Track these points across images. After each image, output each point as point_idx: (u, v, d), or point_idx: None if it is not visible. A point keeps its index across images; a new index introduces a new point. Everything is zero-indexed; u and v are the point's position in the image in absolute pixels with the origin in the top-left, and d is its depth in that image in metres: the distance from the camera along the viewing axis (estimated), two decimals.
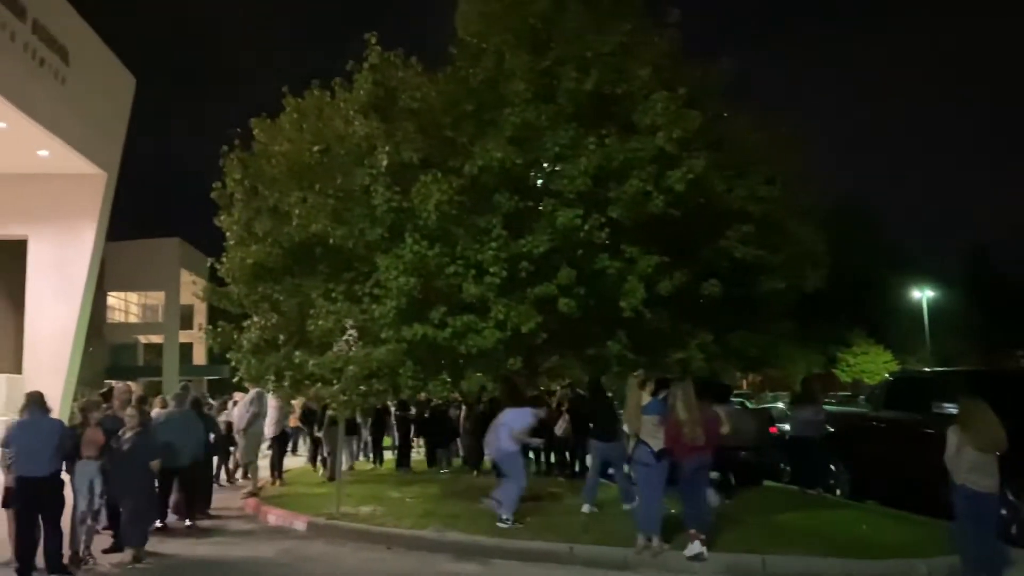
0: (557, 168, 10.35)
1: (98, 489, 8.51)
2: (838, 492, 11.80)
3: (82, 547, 8.43)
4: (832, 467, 12.01)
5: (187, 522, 10.53)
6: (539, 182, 10.95)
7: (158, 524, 10.01)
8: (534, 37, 11.00)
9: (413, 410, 17.23)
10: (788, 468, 13.56)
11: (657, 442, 8.29)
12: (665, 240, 10.03)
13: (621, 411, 10.18)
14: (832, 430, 12.24)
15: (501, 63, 10.84)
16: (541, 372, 12.91)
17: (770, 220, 10.31)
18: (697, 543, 7.99)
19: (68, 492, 8.19)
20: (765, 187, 10.19)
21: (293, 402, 15.81)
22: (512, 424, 10.19)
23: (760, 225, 10.19)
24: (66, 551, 8.05)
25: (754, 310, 11.25)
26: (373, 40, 10.94)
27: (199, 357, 55.00)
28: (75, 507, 8.41)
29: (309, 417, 17.08)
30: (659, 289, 9.70)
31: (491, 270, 9.94)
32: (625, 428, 9.02)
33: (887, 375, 19.43)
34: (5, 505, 8.12)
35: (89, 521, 8.51)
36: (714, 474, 9.78)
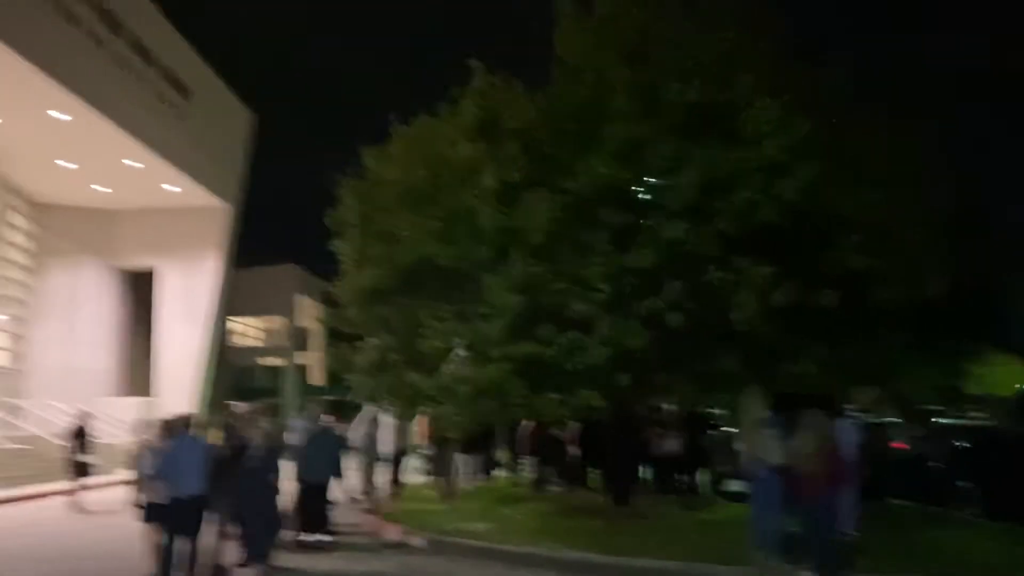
0: (662, 182, 10.28)
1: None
2: (970, 511, 11.18)
3: (224, 560, 8.88)
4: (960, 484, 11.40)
5: (320, 537, 10.93)
6: (644, 196, 10.89)
7: (299, 538, 10.48)
8: (634, 51, 10.99)
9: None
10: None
11: (774, 457, 8.09)
12: (776, 251, 9.79)
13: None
14: (961, 445, 11.63)
15: (602, 79, 10.88)
16: (651, 390, 12.76)
17: (886, 227, 9.91)
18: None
19: None
20: (880, 193, 9.82)
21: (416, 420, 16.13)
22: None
23: (876, 233, 9.82)
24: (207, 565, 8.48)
25: (871, 322, 10.82)
26: (477, 65, 11.19)
27: (317, 379, 56.89)
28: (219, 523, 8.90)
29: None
30: (772, 301, 9.47)
31: (597, 286, 9.95)
32: (737, 444, 8.83)
33: (1019, 386, 18.31)
34: (149, 520, 8.62)
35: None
36: None
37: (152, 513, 8.51)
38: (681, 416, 14.71)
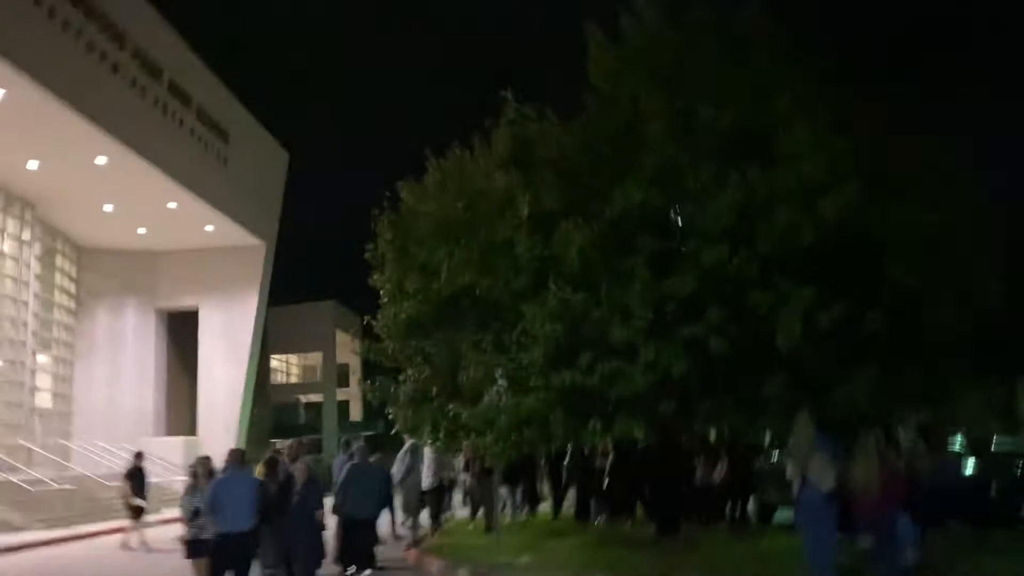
0: (700, 206, 10.19)
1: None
2: None
3: None
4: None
5: (366, 572, 10.87)
6: (682, 221, 10.80)
7: (344, 573, 10.45)
8: (668, 76, 10.97)
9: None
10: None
11: (827, 481, 7.87)
12: (820, 273, 9.62)
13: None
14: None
15: (636, 105, 10.87)
16: (695, 417, 12.57)
17: (934, 246, 9.71)
18: None
19: None
20: (928, 213, 9.63)
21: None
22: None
23: (924, 252, 9.62)
24: None
25: (923, 343, 10.56)
26: (509, 96, 11.25)
27: (355, 414, 57.07)
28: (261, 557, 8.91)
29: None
30: (817, 323, 9.28)
31: (637, 313, 9.85)
32: (788, 471, 8.61)
33: None
34: (191, 556, 8.64)
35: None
36: None
37: (197, 549, 8.53)
38: (727, 444, 14.42)
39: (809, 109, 10.03)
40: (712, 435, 15.44)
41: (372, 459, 11.67)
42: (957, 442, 14.70)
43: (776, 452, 14.71)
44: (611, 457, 15.40)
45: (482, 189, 11.77)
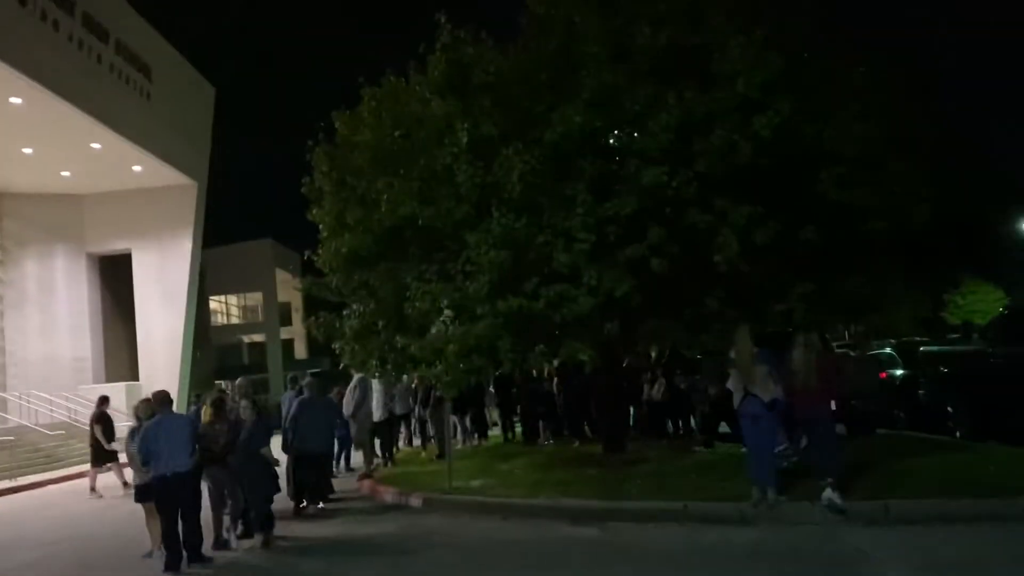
0: (638, 128, 10.20)
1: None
2: (957, 434, 11.40)
3: (223, 532, 8.92)
4: (949, 409, 11.61)
5: (319, 505, 10.99)
6: (621, 143, 10.82)
7: (300, 507, 10.54)
8: None
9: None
10: (902, 415, 13.21)
11: (767, 393, 8.18)
12: (757, 190, 9.78)
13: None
14: (945, 370, 11.81)
15: (572, 28, 10.74)
16: (639, 336, 12.83)
17: (866, 159, 9.92)
18: (829, 490, 7.85)
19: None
20: (858, 126, 9.80)
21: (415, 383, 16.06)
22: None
23: (856, 165, 9.83)
24: (207, 537, 8.50)
25: (856, 255, 10.88)
26: (444, 20, 10.99)
27: (300, 352, 56.79)
28: (212, 495, 8.93)
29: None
30: (754, 240, 9.48)
31: (580, 236, 9.91)
32: (730, 384, 8.90)
33: (1002, 309, 18.55)
34: (139, 500, 8.62)
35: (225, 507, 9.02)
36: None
37: (145, 493, 8.52)
38: (665, 361, 14.80)
39: (743, 26, 10.04)
40: (654, 353, 15.83)
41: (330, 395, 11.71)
42: (886, 348, 15.31)
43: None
44: (555, 381, 15.71)
45: (419, 117, 11.57)
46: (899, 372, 14.04)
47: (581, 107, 10.06)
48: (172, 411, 8.71)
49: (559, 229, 10.08)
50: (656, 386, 14.10)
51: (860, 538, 7.23)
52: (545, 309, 10.06)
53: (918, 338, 16.75)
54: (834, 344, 12.96)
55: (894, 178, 9.95)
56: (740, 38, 9.65)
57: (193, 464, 8.30)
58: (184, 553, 8.07)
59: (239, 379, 11.14)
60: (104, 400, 15.78)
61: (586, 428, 15.37)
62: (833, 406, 8.86)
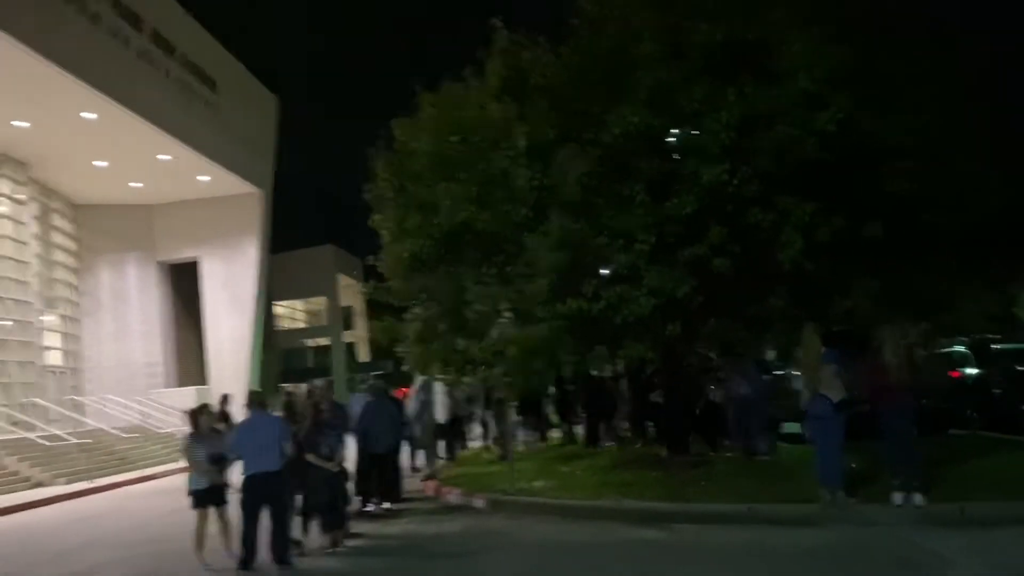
0: (697, 125, 10.11)
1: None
2: None
3: (299, 534, 9.10)
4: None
5: (385, 505, 11.15)
6: (679, 142, 10.73)
7: (367, 508, 10.75)
8: None
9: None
10: (975, 415, 12.82)
11: (836, 393, 8.04)
12: (820, 186, 9.61)
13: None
14: (1021, 369, 11.43)
15: (627, 26, 10.70)
16: (701, 337, 12.70)
17: (932, 152, 9.66)
18: (901, 494, 7.70)
19: None
20: (923, 118, 9.55)
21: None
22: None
23: (921, 158, 9.58)
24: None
25: (923, 251, 10.60)
26: (500, 25, 11.07)
27: (363, 354, 57.63)
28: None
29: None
30: (818, 237, 9.32)
31: (639, 237, 9.88)
32: (795, 385, 8.77)
33: None
34: (197, 506, 8.79)
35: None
36: None
37: (203, 498, 8.72)
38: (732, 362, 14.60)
39: (804, 20, 9.88)
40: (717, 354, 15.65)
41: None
42: (958, 347, 14.87)
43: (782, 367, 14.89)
44: (622, 381, 15.62)
45: (476, 122, 11.66)
46: (972, 371, 13.63)
47: (638, 107, 10.01)
48: (263, 411, 8.83)
49: (618, 230, 10.06)
50: (715, 390, 13.94)
51: (933, 540, 7.07)
52: (605, 311, 10.05)
53: (991, 336, 16.23)
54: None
55: (961, 171, 9.67)
56: (801, 33, 9.49)
57: (282, 465, 8.44)
58: (257, 553, 8.23)
59: (319, 382, 11.32)
60: (226, 398, 15.71)
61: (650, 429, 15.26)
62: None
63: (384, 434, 11.13)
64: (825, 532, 7.68)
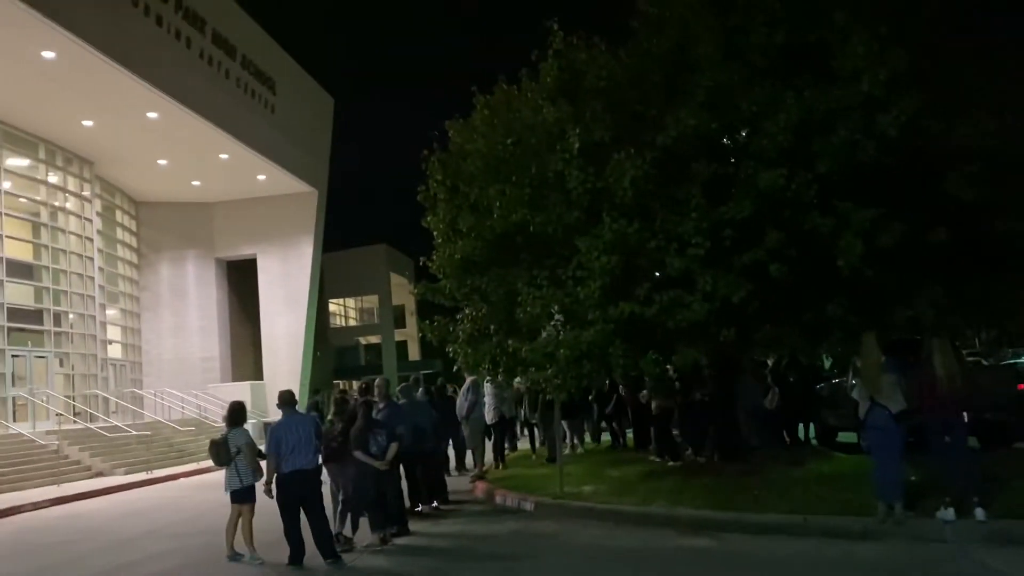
0: (755, 128, 9.94)
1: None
2: None
3: (344, 529, 9.20)
4: None
5: (433, 505, 11.20)
6: (736, 145, 10.57)
7: (416, 508, 10.83)
8: None
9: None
10: None
11: (895, 404, 7.83)
12: (881, 191, 9.37)
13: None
14: None
15: (686, 28, 10.58)
16: (755, 343, 12.49)
17: (1001, 155, 9.34)
18: (951, 510, 7.47)
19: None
20: (992, 120, 9.23)
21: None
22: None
23: (988, 162, 9.27)
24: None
25: (989, 257, 10.26)
26: (555, 27, 11.04)
27: (413, 353, 58.09)
28: (332, 492, 9.23)
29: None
30: (879, 243, 9.08)
31: (693, 241, 9.75)
32: (854, 394, 8.56)
33: None
34: (237, 501, 8.93)
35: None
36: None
37: (244, 494, 8.87)
38: (787, 368, 14.36)
39: (866, 21, 9.64)
40: (771, 361, 15.39)
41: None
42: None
43: (838, 375, 14.58)
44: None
45: (531, 124, 11.63)
46: None
47: (695, 109, 9.88)
48: (296, 410, 8.97)
49: (672, 234, 9.93)
50: (770, 395, 13.69)
51: (994, 557, 6.83)
52: (658, 315, 9.93)
53: None
54: (964, 352, 12.25)
55: None
56: (864, 34, 9.26)
57: (319, 462, 8.58)
58: (303, 548, 8.36)
59: (377, 379, 11.38)
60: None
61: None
62: (965, 417, 8.40)
63: (420, 434, 11.10)
64: (882, 546, 7.47)
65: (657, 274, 10.40)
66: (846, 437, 13.72)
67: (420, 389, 12.36)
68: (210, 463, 9.58)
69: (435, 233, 13.02)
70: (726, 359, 12.22)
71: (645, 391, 14.42)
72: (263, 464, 8.86)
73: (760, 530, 8.30)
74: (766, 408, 13.57)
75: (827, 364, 17.00)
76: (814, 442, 14.65)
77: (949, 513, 7.50)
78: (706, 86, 9.91)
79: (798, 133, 9.50)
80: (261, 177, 29.12)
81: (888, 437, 7.90)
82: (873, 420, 8.05)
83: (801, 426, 14.51)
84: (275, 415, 8.96)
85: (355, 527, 9.36)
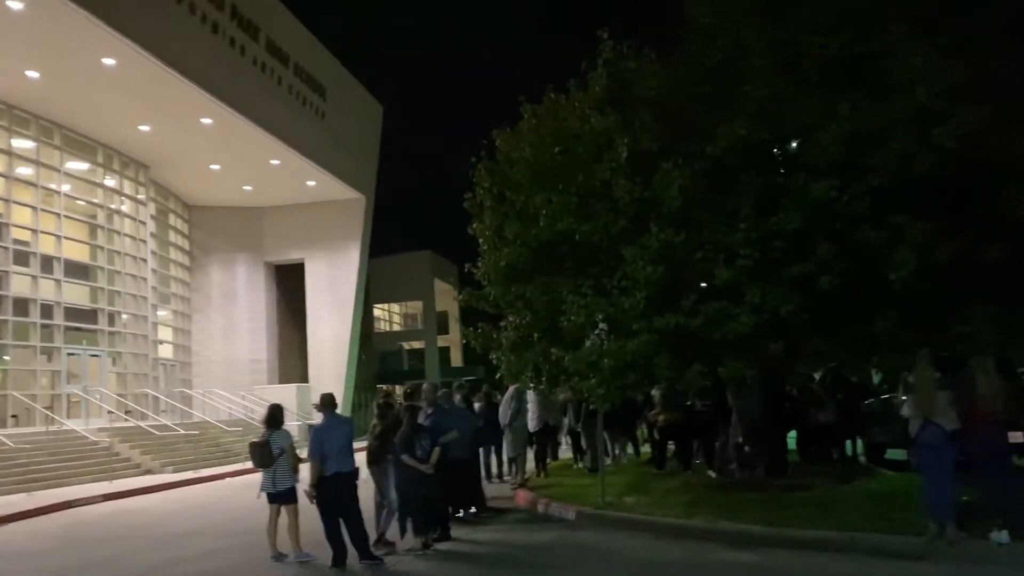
0: (806, 139, 9.83)
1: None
2: None
3: (388, 533, 9.27)
4: None
5: (472, 511, 11.22)
6: (786, 156, 10.45)
7: (457, 513, 10.87)
8: (769, 7, 10.54)
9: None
10: None
11: (950, 422, 7.65)
12: (936, 204, 9.20)
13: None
14: None
15: (738, 39, 10.51)
16: (803, 357, 12.32)
17: None
18: (997, 530, 7.28)
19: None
20: None
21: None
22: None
23: None
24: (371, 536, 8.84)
25: None
26: (605, 36, 11.04)
27: (456, 360, 58.32)
28: (382, 496, 9.30)
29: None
30: (933, 258, 8.90)
31: (742, 252, 9.66)
32: (904, 410, 8.38)
33: None
34: (275, 501, 9.05)
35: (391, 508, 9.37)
36: None
37: (285, 495, 9.00)
38: (833, 383, 14.12)
39: (922, 32, 9.48)
40: (818, 375, 15.15)
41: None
42: None
43: (886, 391, 14.31)
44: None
45: (578, 133, 11.65)
46: None
47: (745, 119, 9.80)
48: (336, 413, 9.07)
49: (720, 245, 9.86)
50: (825, 410, 13.45)
51: None
52: (704, 327, 9.85)
53: None
54: (1021, 371, 11.93)
55: None
56: (920, 45, 9.11)
57: (356, 465, 8.67)
58: (346, 549, 8.44)
59: (424, 384, 11.46)
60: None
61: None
62: (1021, 438, 8.19)
63: (457, 442, 11.06)
64: (934, 567, 7.30)
65: (703, 285, 10.32)
66: (894, 454, 13.45)
67: (459, 396, 12.34)
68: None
69: (481, 240, 13.09)
70: (772, 373, 12.06)
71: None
72: (302, 467, 8.98)
73: (806, 546, 8.16)
74: (819, 422, 13.38)
75: (876, 379, 16.71)
76: (862, 459, 14.37)
77: (1003, 535, 7.31)
78: (757, 96, 9.82)
79: (851, 144, 9.38)
80: (310, 183, 29.54)
81: (940, 456, 7.72)
82: (926, 438, 7.87)
83: (848, 443, 14.24)
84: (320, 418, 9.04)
85: (403, 531, 9.42)
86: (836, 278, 9.28)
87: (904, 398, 8.48)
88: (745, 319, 9.56)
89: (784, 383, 13.07)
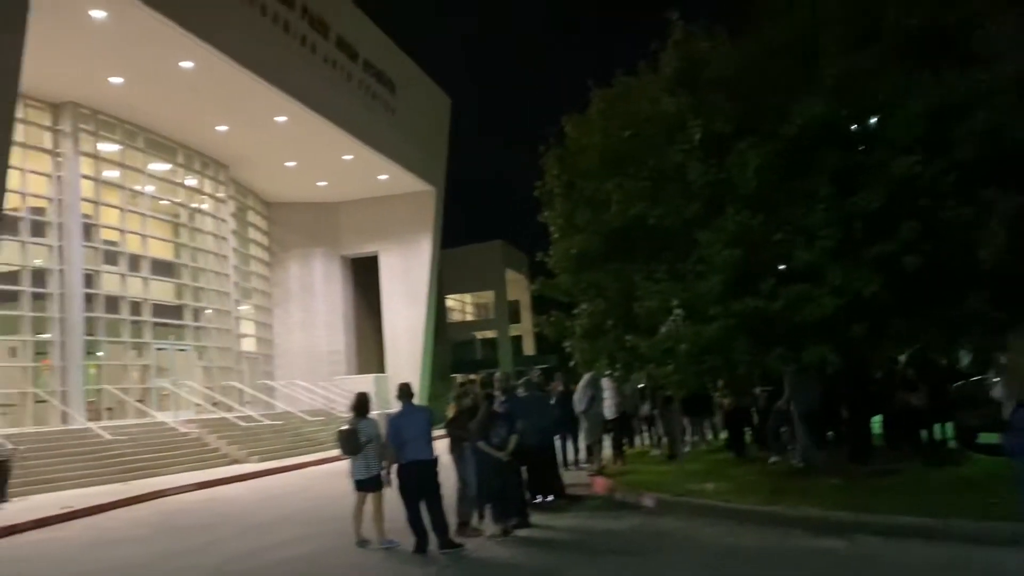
0: (888, 114, 9.52)
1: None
2: None
3: (473, 518, 9.39)
4: None
5: (549, 498, 11.27)
6: (866, 132, 10.14)
7: (535, 500, 10.92)
8: None
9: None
10: None
11: None
12: None
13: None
14: None
15: (814, 13, 10.22)
16: (888, 339, 11.95)
17: None
18: None
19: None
20: None
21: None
22: None
23: None
24: (452, 523, 8.96)
25: None
26: (676, 17, 10.89)
27: (528, 348, 58.51)
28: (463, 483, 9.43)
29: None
30: None
31: (822, 233, 9.43)
32: (997, 392, 8.07)
33: None
34: (362, 489, 9.18)
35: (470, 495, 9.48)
36: None
37: (371, 483, 9.12)
38: (922, 366, 13.66)
39: (1008, 1, 9.08)
40: (904, 357, 14.69)
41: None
42: None
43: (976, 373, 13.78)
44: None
45: (649, 116, 11.51)
46: None
47: (823, 96, 9.54)
48: (413, 402, 9.21)
49: (798, 226, 9.64)
50: (918, 393, 13.02)
51: None
52: (784, 310, 9.65)
53: None
54: None
55: None
56: (1010, 13, 8.72)
57: (436, 453, 8.79)
58: (431, 537, 8.57)
59: (497, 373, 11.54)
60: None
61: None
62: None
63: (532, 429, 11.08)
64: None
65: (781, 267, 10.11)
66: (987, 438, 12.95)
67: (523, 383, 12.31)
68: (337, 452, 9.92)
69: (552, 228, 13.08)
70: (856, 356, 11.73)
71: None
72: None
73: (895, 533, 7.93)
74: (912, 405, 12.97)
75: (965, 361, 16.10)
76: (952, 443, 13.89)
77: None
78: (835, 72, 9.55)
79: (934, 118, 9.05)
80: (382, 177, 29.95)
81: None
82: (1019, 421, 7.55)
83: (938, 427, 13.77)
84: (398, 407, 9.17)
85: (481, 516, 9.54)
86: (921, 257, 8.98)
87: (997, 380, 8.16)
88: (827, 301, 9.33)
89: (868, 367, 12.71)
